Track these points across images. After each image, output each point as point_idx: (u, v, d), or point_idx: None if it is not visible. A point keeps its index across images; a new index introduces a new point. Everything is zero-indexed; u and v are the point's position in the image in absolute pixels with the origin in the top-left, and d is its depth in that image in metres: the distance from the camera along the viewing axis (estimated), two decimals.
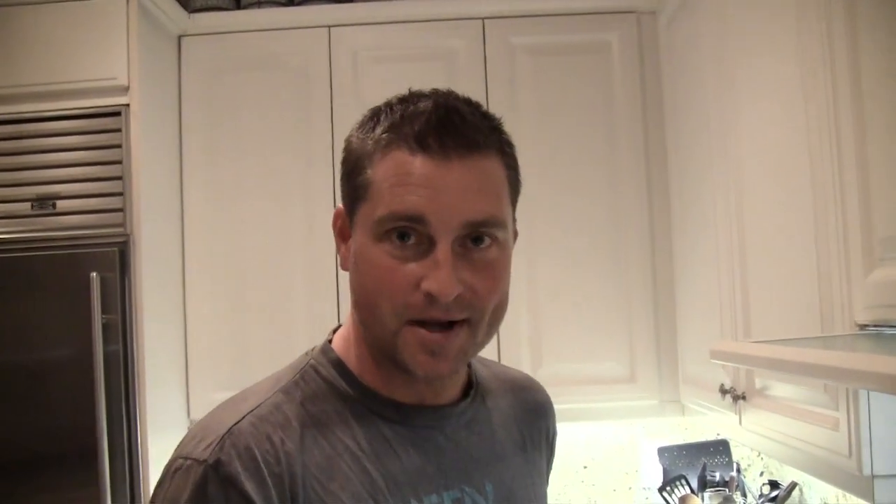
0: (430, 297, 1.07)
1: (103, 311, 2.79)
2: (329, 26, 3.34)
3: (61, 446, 2.80)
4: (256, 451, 1.06)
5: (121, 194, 2.90)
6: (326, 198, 3.22)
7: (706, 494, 3.06)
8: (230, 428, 1.08)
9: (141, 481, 2.81)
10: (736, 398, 2.32)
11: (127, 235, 2.88)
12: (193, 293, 3.27)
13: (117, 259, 2.84)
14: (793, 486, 2.94)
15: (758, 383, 2.20)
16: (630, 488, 3.55)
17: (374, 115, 1.15)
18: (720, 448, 3.27)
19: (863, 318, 1.55)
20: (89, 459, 2.73)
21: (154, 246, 2.99)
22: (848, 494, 2.49)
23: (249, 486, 1.03)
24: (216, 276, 3.27)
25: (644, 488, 3.51)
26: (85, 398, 2.75)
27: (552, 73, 3.32)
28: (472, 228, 1.09)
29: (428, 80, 3.55)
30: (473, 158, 1.09)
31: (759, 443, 2.27)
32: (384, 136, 1.11)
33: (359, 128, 1.17)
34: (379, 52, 3.34)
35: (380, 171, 1.10)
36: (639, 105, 3.30)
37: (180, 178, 3.29)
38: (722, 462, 3.24)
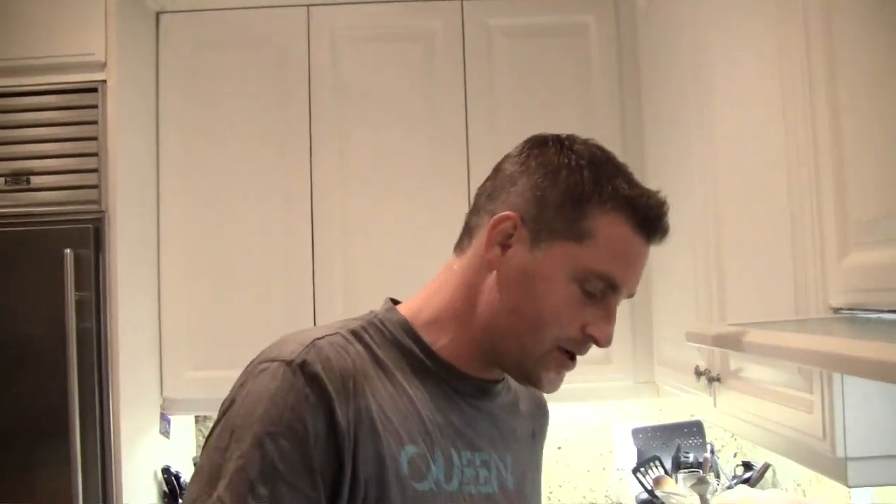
0: (591, 340, 1.27)
1: (77, 288, 2.79)
2: (308, 5, 3.33)
3: (33, 423, 2.80)
4: (335, 363, 1.18)
5: (96, 171, 2.89)
6: (303, 176, 3.22)
7: (680, 475, 3.08)
8: (313, 340, 1.20)
9: (112, 458, 2.81)
10: (711, 380, 2.33)
11: (102, 212, 2.87)
12: (168, 271, 3.26)
13: (91, 236, 2.84)
14: (766, 467, 2.97)
15: (732, 365, 2.21)
16: (604, 469, 3.58)
17: (599, 165, 1.30)
18: (694, 429, 3.29)
19: (837, 301, 1.56)
20: (61, 436, 2.74)
21: (129, 223, 2.98)
22: (821, 476, 2.51)
23: (331, 387, 1.15)
24: (191, 254, 3.26)
25: (618, 469, 3.53)
26: (57, 375, 2.75)
27: (530, 54, 3.32)
28: None
29: (406, 60, 3.54)
30: None
31: (733, 425, 2.28)
32: (613, 201, 1.27)
33: (581, 164, 1.29)
34: (357, 33, 3.33)
35: (603, 229, 1.26)
36: (616, 86, 3.31)
37: (156, 154, 3.27)
38: (696, 443, 3.26)
